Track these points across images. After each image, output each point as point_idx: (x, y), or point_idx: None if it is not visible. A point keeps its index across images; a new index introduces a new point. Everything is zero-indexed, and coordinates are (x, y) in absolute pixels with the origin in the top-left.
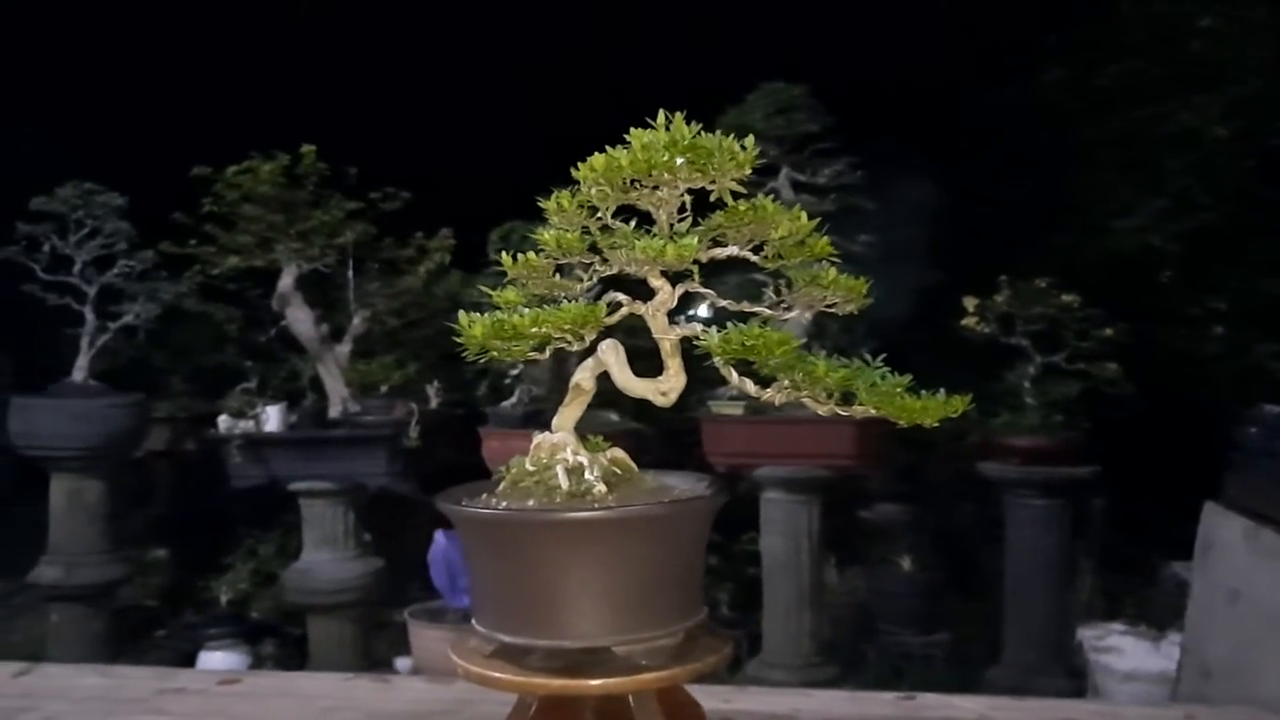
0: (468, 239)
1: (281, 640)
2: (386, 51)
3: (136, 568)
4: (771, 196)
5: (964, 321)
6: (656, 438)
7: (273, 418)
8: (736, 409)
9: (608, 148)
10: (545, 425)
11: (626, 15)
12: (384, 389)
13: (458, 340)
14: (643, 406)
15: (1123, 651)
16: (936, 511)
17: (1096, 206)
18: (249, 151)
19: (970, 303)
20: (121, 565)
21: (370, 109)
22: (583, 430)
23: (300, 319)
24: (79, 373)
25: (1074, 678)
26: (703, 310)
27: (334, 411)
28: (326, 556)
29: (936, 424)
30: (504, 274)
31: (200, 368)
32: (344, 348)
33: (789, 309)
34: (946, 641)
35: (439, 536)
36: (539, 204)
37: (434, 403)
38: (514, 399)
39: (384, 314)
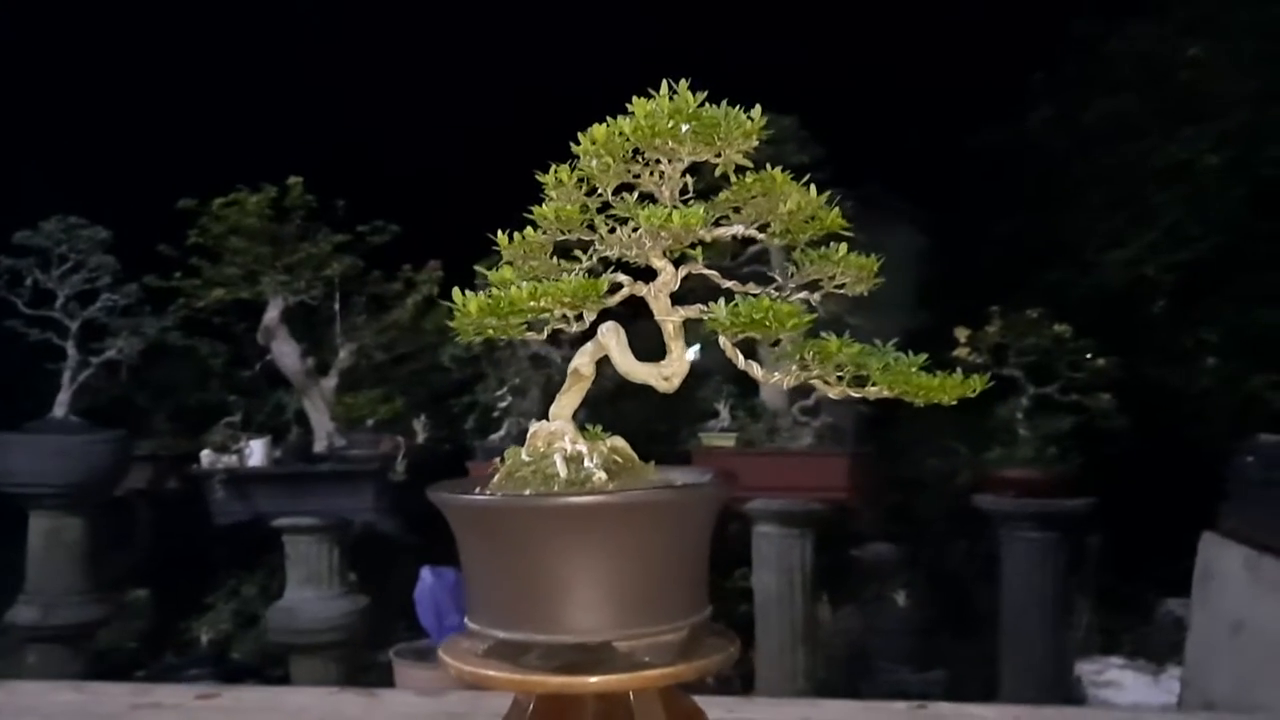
0: (457, 272)
1: (263, 682)
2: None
3: (116, 608)
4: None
5: (955, 353)
6: None
7: (256, 452)
8: (728, 440)
9: (609, 118)
10: None
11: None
12: (370, 423)
13: (445, 370)
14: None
15: (1122, 686)
16: (931, 548)
17: (1087, 242)
18: (236, 184)
19: (962, 333)
20: (101, 606)
21: (359, 141)
22: None
23: (286, 352)
24: (60, 409)
25: None
26: (691, 353)
27: (319, 446)
28: (310, 595)
29: (954, 402)
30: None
31: (184, 404)
32: (330, 381)
33: (796, 290)
34: (942, 678)
35: (425, 574)
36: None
37: (421, 437)
38: (502, 432)
39: (371, 348)
